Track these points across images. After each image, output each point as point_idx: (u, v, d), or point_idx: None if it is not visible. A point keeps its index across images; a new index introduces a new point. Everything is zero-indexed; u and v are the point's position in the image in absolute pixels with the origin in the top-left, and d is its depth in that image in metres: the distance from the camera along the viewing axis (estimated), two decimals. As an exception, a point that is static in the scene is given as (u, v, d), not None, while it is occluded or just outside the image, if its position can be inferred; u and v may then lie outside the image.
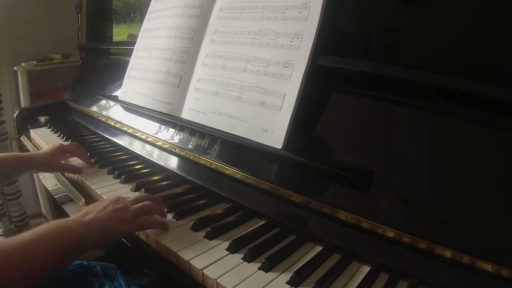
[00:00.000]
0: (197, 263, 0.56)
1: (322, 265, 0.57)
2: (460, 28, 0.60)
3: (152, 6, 1.08)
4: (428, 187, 0.53)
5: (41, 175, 1.10)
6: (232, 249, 0.59)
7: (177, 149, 0.86)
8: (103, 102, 1.23)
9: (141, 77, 1.01)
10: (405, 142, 0.58)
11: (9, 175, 0.93)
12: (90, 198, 0.83)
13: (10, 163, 0.84)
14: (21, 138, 1.31)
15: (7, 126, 1.83)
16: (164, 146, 0.91)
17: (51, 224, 0.55)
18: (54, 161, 0.90)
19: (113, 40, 1.59)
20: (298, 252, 0.61)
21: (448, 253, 0.50)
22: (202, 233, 0.64)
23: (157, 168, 0.92)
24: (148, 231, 0.65)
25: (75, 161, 0.96)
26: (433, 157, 0.55)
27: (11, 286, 0.48)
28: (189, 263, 0.56)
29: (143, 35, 1.07)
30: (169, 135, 0.91)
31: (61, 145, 0.92)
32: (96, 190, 0.82)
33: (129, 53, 1.10)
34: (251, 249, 0.59)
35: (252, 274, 0.54)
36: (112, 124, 1.12)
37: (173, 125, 0.91)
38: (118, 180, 0.86)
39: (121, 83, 1.09)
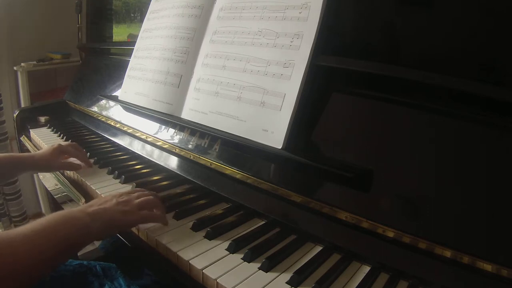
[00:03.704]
0: (197, 263, 0.56)
1: (322, 265, 0.57)
2: (460, 28, 0.60)
3: (152, 6, 1.08)
4: (428, 187, 0.53)
5: (41, 175, 1.10)
6: (232, 249, 0.59)
7: (177, 149, 0.86)
8: (103, 102, 1.23)
9: (141, 77, 1.01)
10: (405, 142, 0.58)
11: (7, 175, 0.94)
12: (90, 198, 0.83)
13: (8, 163, 0.85)
14: (21, 138, 1.31)
15: (7, 126, 1.83)
16: (164, 146, 0.91)
17: (57, 215, 0.55)
18: (53, 161, 0.90)
19: (113, 40, 1.59)
20: (298, 252, 0.61)
21: (448, 253, 0.50)
22: (202, 233, 0.64)
23: (157, 168, 0.92)
24: (148, 231, 0.65)
25: (74, 161, 0.96)
26: (433, 157, 0.55)
27: (19, 277, 0.48)
28: (189, 263, 0.56)
29: (143, 35, 1.07)
30: (169, 135, 0.91)
31: (60, 145, 0.92)
32: (96, 190, 0.81)
33: (129, 53, 1.10)
34: (251, 249, 0.59)
35: (252, 274, 0.54)
36: (112, 124, 1.12)
37: (173, 125, 0.91)
38: (118, 180, 0.86)
39: (121, 83, 1.09)
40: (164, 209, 0.69)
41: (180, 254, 0.58)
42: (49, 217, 0.54)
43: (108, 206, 0.61)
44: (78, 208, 0.60)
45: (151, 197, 0.68)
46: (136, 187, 0.81)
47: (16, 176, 1.68)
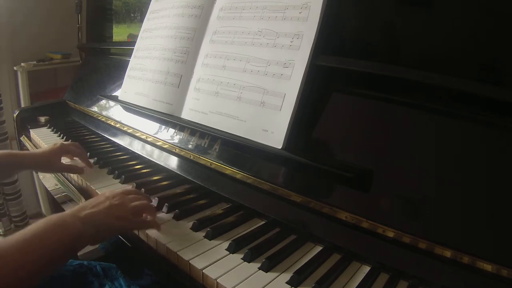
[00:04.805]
0: (197, 263, 0.56)
1: (322, 265, 0.57)
2: (460, 28, 0.60)
3: (152, 6, 1.08)
4: (428, 187, 0.53)
5: (41, 175, 1.10)
6: (232, 249, 0.59)
7: (177, 149, 0.86)
8: (103, 102, 1.23)
9: (141, 77, 1.01)
10: (405, 142, 0.58)
11: (6, 173, 0.92)
12: (89, 198, 0.83)
13: (8, 160, 0.84)
14: (21, 138, 1.31)
15: (7, 126, 1.83)
16: (164, 146, 0.91)
17: (49, 220, 0.54)
18: (54, 161, 0.88)
19: (113, 40, 1.59)
20: (298, 252, 0.61)
21: (448, 253, 0.50)
22: (202, 233, 0.64)
23: (157, 168, 0.92)
24: (148, 231, 0.65)
25: (76, 163, 0.96)
26: (433, 157, 0.55)
27: (12, 286, 0.47)
28: (189, 263, 0.56)
29: (143, 35, 1.07)
30: (169, 135, 0.91)
31: (62, 144, 0.91)
32: (96, 190, 0.82)
33: (129, 53, 1.10)
34: (251, 249, 0.59)
35: (252, 274, 0.54)
36: (112, 124, 1.12)
37: (173, 125, 0.91)
38: (118, 180, 0.86)
39: (121, 83, 1.09)
40: (155, 213, 0.68)
41: (180, 254, 0.58)
42: (39, 224, 0.52)
43: (101, 209, 0.59)
44: (70, 211, 0.58)
45: (145, 201, 0.67)
46: (136, 187, 0.81)
47: (15, 174, 1.67)
